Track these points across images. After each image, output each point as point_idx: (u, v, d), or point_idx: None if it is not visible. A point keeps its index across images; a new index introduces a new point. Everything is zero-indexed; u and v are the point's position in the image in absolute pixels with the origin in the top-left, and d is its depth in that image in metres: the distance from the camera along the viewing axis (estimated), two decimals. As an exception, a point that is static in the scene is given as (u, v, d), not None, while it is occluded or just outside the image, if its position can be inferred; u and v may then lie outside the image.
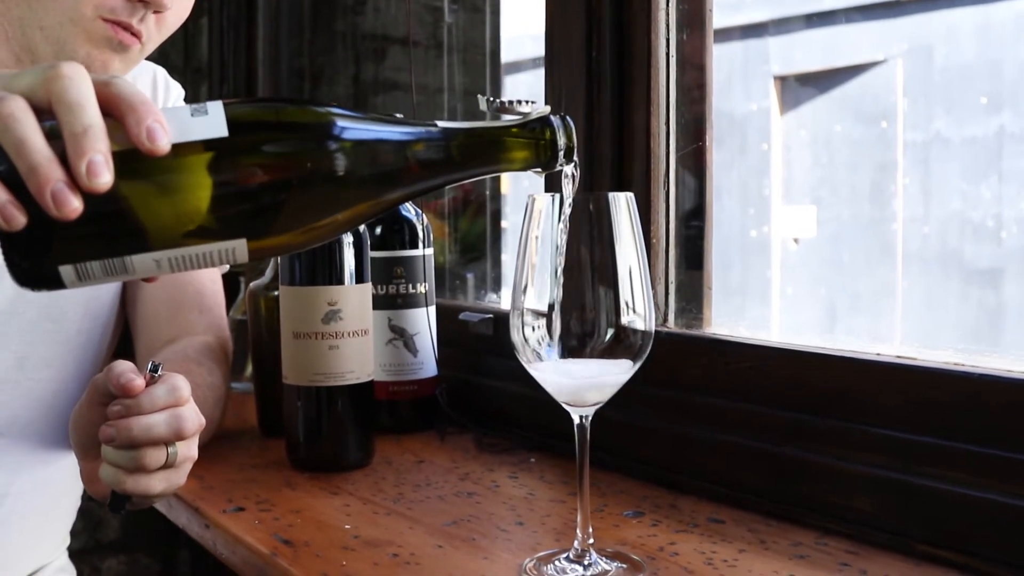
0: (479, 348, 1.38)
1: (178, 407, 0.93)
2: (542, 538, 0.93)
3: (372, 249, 1.31)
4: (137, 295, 1.38)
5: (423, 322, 1.33)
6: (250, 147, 0.66)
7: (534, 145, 0.74)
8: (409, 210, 1.34)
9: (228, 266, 1.47)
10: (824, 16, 4.77)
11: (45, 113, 0.64)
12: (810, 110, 4.92)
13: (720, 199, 5.17)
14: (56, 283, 0.66)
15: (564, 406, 0.83)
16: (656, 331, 1.11)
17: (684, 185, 1.17)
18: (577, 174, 0.78)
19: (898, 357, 0.91)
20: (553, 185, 0.79)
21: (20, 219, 0.62)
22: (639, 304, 0.80)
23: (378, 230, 1.32)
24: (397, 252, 1.32)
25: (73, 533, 2.17)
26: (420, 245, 1.33)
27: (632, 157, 1.13)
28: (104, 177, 0.62)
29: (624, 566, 0.84)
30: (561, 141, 0.74)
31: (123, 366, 0.94)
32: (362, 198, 0.69)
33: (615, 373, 0.81)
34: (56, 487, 1.36)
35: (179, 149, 0.64)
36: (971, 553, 0.83)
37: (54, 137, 0.62)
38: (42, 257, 0.65)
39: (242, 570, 0.93)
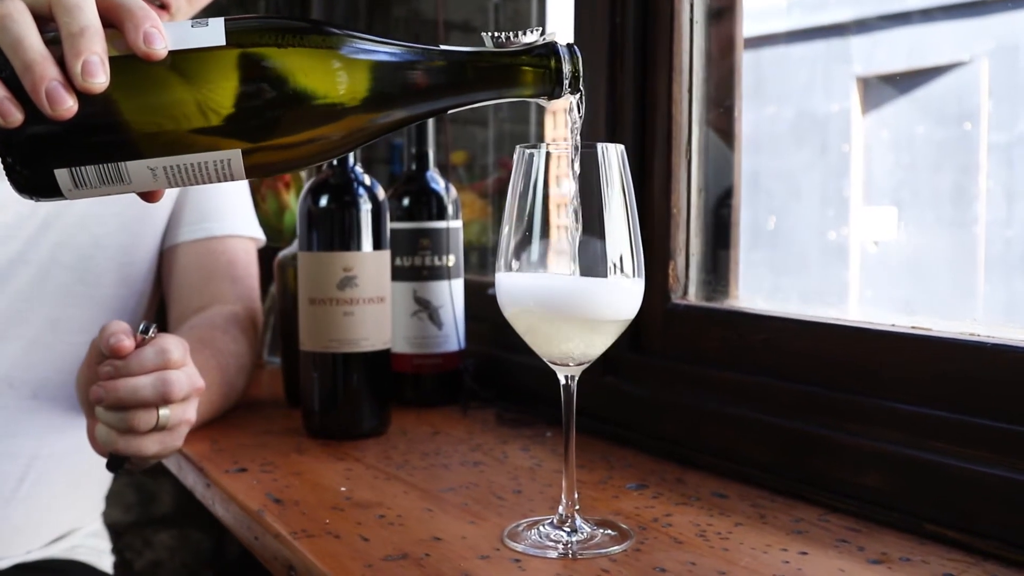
0: (506, 323, 1.35)
1: (166, 370, 0.93)
2: (537, 506, 0.90)
3: (399, 220, 1.30)
4: (172, 264, 1.39)
5: (448, 295, 1.31)
6: (247, 58, 0.66)
7: (539, 72, 0.72)
8: (438, 182, 1.33)
9: (264, 239, 1.48)
10: (908, 16, 4.65)
11: (49, 22, 0.65)
12: (892, 111, 4.80)
13: (799, 200, 5.08)
14: (53, 190, 0.66)
15: (551, 365, 0.81)
16: (675, 303, 1.09)
17: (712, 159, 1.14)
18: (582, 113, 0.75)
19: (913, 327, 0.87)
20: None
21: (16, 115, 0.63)
22: (627, 265, 0.77)
23: (405, 201, 1.31)
24: (423, 223, 1.30)
25: (126, 506, 2.21)
26: (447, 217, 1.31)
27: (655, 124, 1.10)
28: (99, 78, 0.62)
29: (612, 533, 0.81)
30: (566, 68, 0.72)
31: (116, 327, 0.94)
32: (359, 115, 0.68)
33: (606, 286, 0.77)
34: (88, 452, 1.37)
35: (176, 56, 0.64)
36: (980, 533, 0.79)
37: (55, 44, 0.63)
38: (38, 159, 0.65)
39: (233, 527, 0.93)
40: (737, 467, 0.98)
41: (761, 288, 1.18)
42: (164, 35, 0.64)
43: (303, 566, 0.77)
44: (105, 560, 1.47)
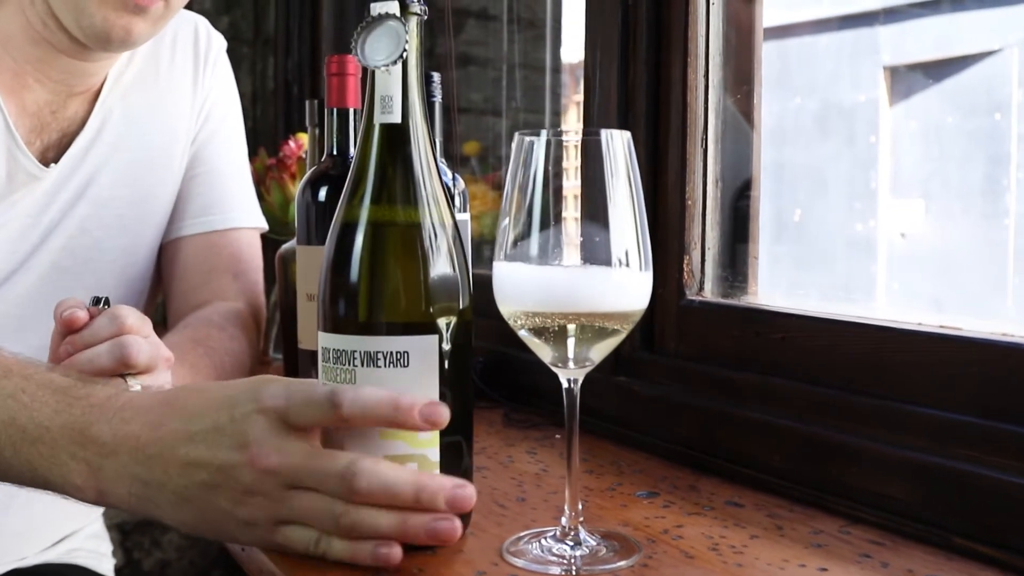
0: (516, 320, 1.31)
1: (122, 336, 0.89)
2: (540, 515, 0.85)
3: (403, 212, 1.25)
4: (174, 259, 1.35)
5: (455, 290, 1.26)
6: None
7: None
8: (444, 172, 1.27)
9: (266, 225, 1.43)
10: (937, 4, 4.57)
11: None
12: (920, 101, 4.72)
13: (825, 192, 5.01)
14: None
15: (551, 367, 0.76)
16: (689, 300, 1.04)
17: (729, 148, 1.09)
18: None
19: (941, 327, 0.82)
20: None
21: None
22: (633, 259, 0.72)
23: (410, 193, 1.26)
24: (429, 216, 1.25)
25: (135, 505, 2.17)
26: (454, 209, 1.25)
27: (669, 112, 1.05)
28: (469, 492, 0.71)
29: (618, 547, 0.76)
30: None
31: (68, 302, 0.92)
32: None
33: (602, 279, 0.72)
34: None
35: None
36: (1014, 549, 0.73)
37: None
38: None
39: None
40: (753, 473, 0.92)
41: (784, 283, 1.13)
42: (419, 402, 0.72)
43: (286, 581, 0.72)
44: (105, 563, 1.42)
